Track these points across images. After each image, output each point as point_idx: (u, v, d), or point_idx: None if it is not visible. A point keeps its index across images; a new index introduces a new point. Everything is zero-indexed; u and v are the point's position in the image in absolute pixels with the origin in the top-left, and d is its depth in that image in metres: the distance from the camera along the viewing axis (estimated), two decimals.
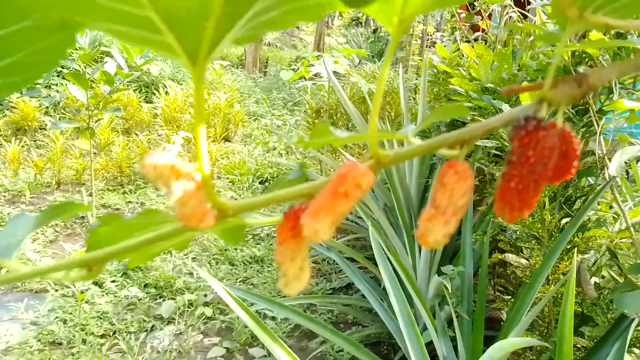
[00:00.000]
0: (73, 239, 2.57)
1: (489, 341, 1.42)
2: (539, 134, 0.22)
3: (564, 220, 1.43)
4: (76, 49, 2.51)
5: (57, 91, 4.22)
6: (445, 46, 2.14)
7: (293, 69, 6.11)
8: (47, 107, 4.11)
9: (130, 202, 3.03)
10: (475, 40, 2.49)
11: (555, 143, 0.22)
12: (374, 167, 0.24)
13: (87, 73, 2.45)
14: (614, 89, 1.32)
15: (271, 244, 2.59)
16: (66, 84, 4.16)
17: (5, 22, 0.20)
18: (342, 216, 0.21)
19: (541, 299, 1.27)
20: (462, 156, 0.24)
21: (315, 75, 3.87)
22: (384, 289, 1.88)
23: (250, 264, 2.42)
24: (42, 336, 1.81)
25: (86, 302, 1.97)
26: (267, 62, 7.97)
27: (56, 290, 2.06)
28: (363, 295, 1.72)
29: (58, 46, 0.21)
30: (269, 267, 2.40)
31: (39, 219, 0.26)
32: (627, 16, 0.22)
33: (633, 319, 1.12)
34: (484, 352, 1.06)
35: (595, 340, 1.25)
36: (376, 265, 1.77)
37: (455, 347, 1.33)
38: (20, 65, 0.22)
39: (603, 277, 1.48)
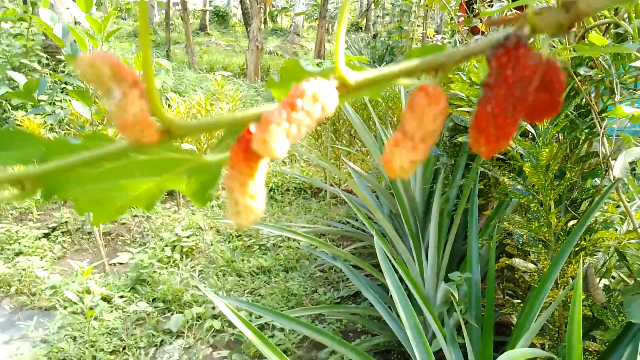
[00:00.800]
0: (81, 255, 2.58)
1: (499, 347, 1.41)
2: (519, 52, 0.20)
3: (570, 223, 1.41)
4: None
5: (62, 107, 4.26)
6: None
7: None
8: (51, 124, 4.15)
9: (136, 215, 3.04)
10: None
11: (537, 65, 0.20)
12: (341, 90, 0.22)
13: (90, 89, 2.47)
14: (615, 90, 1.31)
15: (277, 254, 2.59)
16: (70, 101, 4.19)
17: None
18: (298, 134, 0.19)
19: (550, 303, 1.25)
20: (438, 82, 0.22)
21: None
22: (392, 296, 1.87)
23: (257, 274, 2.42)
24: (53, 354, 1.82)
25: (95, 319, 1.98)
26: (268, 71, 8.00)
27: (65, 308, 2.07)
28: (371, 304, 1.71)
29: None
30: (276, 277, 2.39)
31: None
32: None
33: None
34: (494, 358, 1.05)
35: (607, 344, 1.23)
36: (382, 273, 1.76)
37: (465, 354, 1.32)
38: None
39: (613, 277, 1.46)
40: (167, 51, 7.75)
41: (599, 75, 1.33)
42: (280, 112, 0.19)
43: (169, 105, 4.22)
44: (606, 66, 1.32)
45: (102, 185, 0.24)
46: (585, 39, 1.34)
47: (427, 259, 1.74)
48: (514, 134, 0.20)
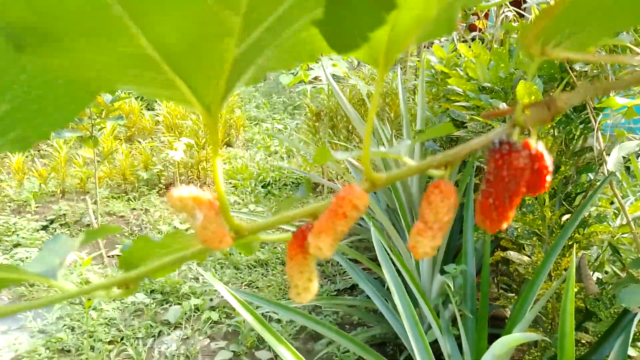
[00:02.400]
0: (80, 247, 2.59)
1: (493, 339, 1.43)
2: (511, 156, 0.24)
3: (564, 217, 1.44)
4: None
5: None
6: (442, 47, 2.15)
7: (292, 73, 6.14)
8: None
9: (134, 209, 3.05)
10: (472, 40, 2.51)
11: (526, 163, 0.25)
12: (369, 189, 0.27)
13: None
14: None
15: (275, 248, 2.61)
16: None
17: (41, 82, 0.24)
18: (342, 234, 0.24)
19: (544, 295, 1.28)
20: (447, 176, 0.27)
21: (315, 78, 3.89)
22: (388, 289, 1.90)
23: (254, 267, 2.44)
24: (51, 344, 1.83)
25: (93, 309, 1.99)
26: None
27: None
28: (368, 296, 1.73)
29: (80, 101, 0.25)
30: (273, 270, 2.41)
31: (81, 240, 0.30)
32: (584, 47, 0.25)
33: (636, 314, 1.13)
34: (488, 349, 1.07)
35: (599, 335, 1.26)
36: (380, 266, 1.78)
37: (459, 346, 1.34)
38: (49, 117, 0.25)
39: (606, 272, 1.49)
40: None
41: (595, 71, 1.35)
42: (328, 221, 0.24)
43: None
44: (602, 62, 1.34)
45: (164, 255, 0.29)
46: None
47: None
48: (512, 215, 0.25)
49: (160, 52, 0.21)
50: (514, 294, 1.74)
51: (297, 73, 3.69)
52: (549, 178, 0.26)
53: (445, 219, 0.26)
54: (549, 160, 0.26)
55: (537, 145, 0.26)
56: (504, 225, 0.25)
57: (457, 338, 1.37)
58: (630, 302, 0.65)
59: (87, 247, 2.60)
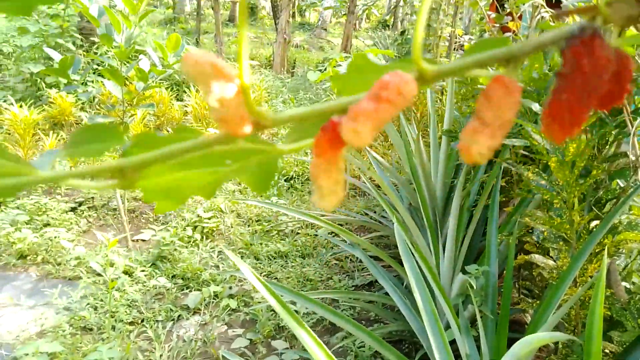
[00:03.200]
0: (105, 230, 2.66)
1: (512, 343, 1.41)
2: (594, 43, 0.20)
3: (593, 223, 1.40)
4: (112, 47, 2.59)
5: (94, 88, 4.36)
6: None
7: (320, 70, 6.14)
8: (83, 103, 4.25)
9: None
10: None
11: (611, 54, 0.21)
12: (419, 81, 0.23)
13: (122, 70, 2.53)
14: None
15: (295, 240, 2.62)
16: (102, 81, 4.29)
17: None
18: (383, 122, 0.21)
19: (567, 301, 1.25)
20: (510, 73, 0.23)
21: None
22: (407, 287, 1.88)
23: (274, 259, 2.46)
24: (74, 321, 1.88)
25: (116, 290, 2.04)
26: (294, 63, 8.03)
27: (88, 278, 2.13)
28: (386, 293, 1.72)
29: None
30: (292, 262, 2.42)
31: (70, 143, 0.25)
32: None
33: None
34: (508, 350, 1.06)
35: (624, 345, 1.22)
36: (400, 263, 1.77)
37: (478, 347, 1.33)
38: None
39: (634, 283, 1.45)
40: (196, 40, 7.85)
41: (634, 74, 1.31)
42: (369, 104, 0.21)
43: (197, 90, 4.29)
44: None
45: (175, 176, 0.25)
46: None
47: (444, 251, 1.74)
48: (586, 120, 0.22)
49: None
50: (535, 299, 1.71)
51: (324, 70, 3.70)
52: (628, 87, 0.22)
53: (508, 116, 0.22)
54: (632, 65, 0.22)
55: (619, 47, 0.22)
56: (576, 132, 0.21)
57: (476, 339, 1.35)
58: None
59: (113, 231, 2.66)
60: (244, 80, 0.22)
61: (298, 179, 3.49)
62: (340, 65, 3.44)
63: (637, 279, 1.44)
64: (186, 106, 4.47)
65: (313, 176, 0.23)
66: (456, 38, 6.02)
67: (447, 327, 1.45)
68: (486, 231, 1.63)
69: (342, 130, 0.21)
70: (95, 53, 4.91)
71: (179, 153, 0.23)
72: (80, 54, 4.88)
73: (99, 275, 2.15)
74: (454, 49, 5.29)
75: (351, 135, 0.20)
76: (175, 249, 2.37)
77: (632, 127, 1.24)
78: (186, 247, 2.44)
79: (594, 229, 1.30)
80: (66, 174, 0.23)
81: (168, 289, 2.12)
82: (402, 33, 7.39)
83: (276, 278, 2.28)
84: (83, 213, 2.79)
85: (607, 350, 1.29)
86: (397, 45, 7.00)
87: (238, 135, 0.22)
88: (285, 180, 3.47)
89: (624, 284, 1.42)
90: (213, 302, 2.07)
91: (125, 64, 3.28)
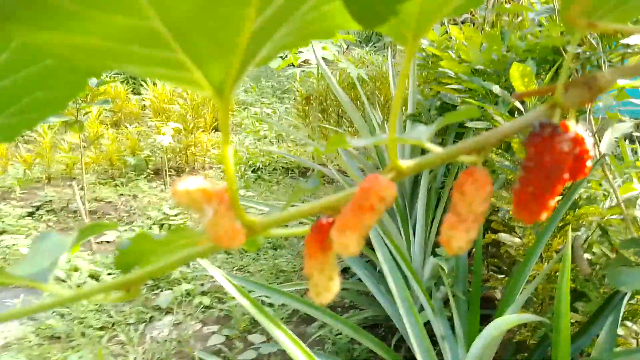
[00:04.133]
0: (67, 234, 2.56)
1: (484, 320, 1.45)
2: (554, 140, 0.22)
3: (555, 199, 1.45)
4: None
5: None
6: (433, 29, 2.13)
7: (281, 57, 6.07)
8: None
9: (122, 194, 3.01)
10: (463, 22, 2.49)
11: (570, 147, 0.22)
12: (395, 178, 0.25)
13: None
14: (603, 67, 1.33)
15: None
16: None
17: (27, 62, 0.21)
18: (368, 229, 0.22)
19: (535, 277, 1.29)
20: (480, 162, 0.25)
21: (304, 62, 3.85)
22: (380, 272, 1.90)
23: (245, 252, 2.43)
24: (41, 331, 1.81)
25: None
26: None
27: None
28: (359, 279, 1.73)
29: (73, 86, 0.23)
30: (265, 254, 2.41)
31: (74, 240, 0.27)
32: (628, 19, 0.23)
33: (625, 294, 1.15)
34: (480, 330, 1.08)
35: (589, 315, 1.28)
36: (371, 249, 1.79)
37: (452, 327, 1.36)
38: (37, 103, 0.24)
39: (594, 253, 1.51)
40: None
41: (587, 53, 1.35)
42: (353, 216, 0.22)
43: (154, 84, 4.15)
44: (594, 44, 1.34)
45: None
46: None
47: (414, 235, 1.76)
48: (554, 205, 0.23)
49: (168, 24, 0.18)
50: (504, 276, 1.76)
51: (285, 56, 3.65)
52: (589, 163, 0.24)
53: (481, 210, 0.24)
54: (589, 144, 0.24)
55: (576, 128, 0.24)
56: (543, 216, 0.23)
57: (450, 319, 1.38)
58: (627, 286, 0.66)
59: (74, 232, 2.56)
60: (234, 196, 0.23)
61: (265, 169, 3.46)
62: (301, 51, 3.40)
63: (597, 249, 1.50)
64: (144, 100, 4.33)
65: (308, 274, 0.24)
66: None
67: (421, 309, 1.47)
68: None
69: (334, 243, 0.22)
70: None
71: (179, 263, 0.26)
72: None
73: (63, 281, 2.07)
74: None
75: (341, 248, 0.22)
76: None
77: (588, 106, 1.28)
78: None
79: (557, 206, 1.34)
80: (84, 293, 0.25)
81: None
82: None
83: (249, 271, 2.26)
84: (42, 217, 2.68)
85: (573, 321, 1.34)
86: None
87: (231, 247, 0.23)
88: (252, 172, 3.43)
89: (586, 255, 1.47)
90: (185, 300, 2.03)
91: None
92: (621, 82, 0.82)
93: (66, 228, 2.62)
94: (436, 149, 0.25)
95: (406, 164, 0.25)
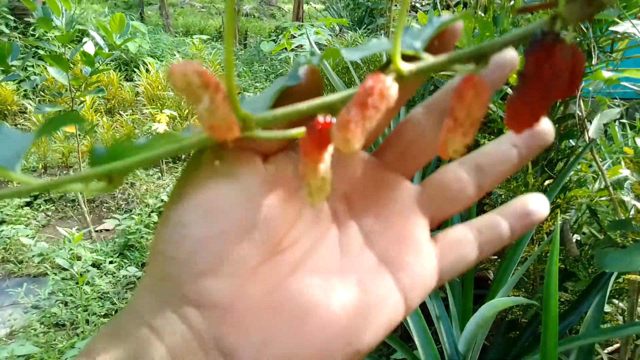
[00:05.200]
0: (66, 223, 2.58)
1: (478, 299, 1.50)
2: (555, 48, 0.22)
3: (546, 182, 1.49)
4: (52, 29, 2.44)
5: (35, 73, 4.12)
6: (426, 12, 2.14)
7: (273, 40, 6.02)
8: (25, 90, 4.03)
9: None
10: (456, 5, 2.50)
11: (569, 57, 0.22)
12: (397, 80, 0.24)
13: (66, 54, 2.41)
14: (593, 52, 1.35)
15: None
16: (44, 66, 4.05)
17: None
18: (369, 128, 0.22)
19: (527, 258, 1.34)
20: (479, 71, 0.25)
21: (297, 46, 3.84)
22: None
23: None
24: (46, 319, 1.85)
25: (87, 284, 2.01)
26: (246, 34, 7.82)
27: (55, 274, 2.09)
28: None
29: None
30: None
31: (36, 135, 0.23)
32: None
33: (612, 273, 1.19)
34: (474, 310, 1.13)
35: (577, 294, 1.33)
36: None
37: (447, 307, 1.40)
38: None
39: (584, 233, 1.55)
40: (140, 13, 7.48)
41: (577, 38, 1.37)
42: (356, 111, 0.22)
43: (147, 70, 4.13)
44: (584, 29, 1.36)
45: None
46: None
47: None
48: (545, 114, 0.23)
49: None
50: (497, 257, 1.81)
51: (278, 40, 3.63)
52: (580, 79, 0.24)
53: (478, 115, 0.24)
54: (584, 60, 0.24)
55: (574, 44, 0.24)
56: (534, 126, 0.23)
57: (444, 300, 1.43)
58: (612, 268, 0.70)
59: (74, 223, 2.59)
60: (232, 86, 0.22)
61: None
62: (294, 36, 3.39)
63: (586, 230, 1.55)
64: (137, 86, 4.31)
65: (301, 174, 0.24)
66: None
67: None
68: None
69: (334, 139, 0.22)
70: (33, 35, 4.61)
71: (163, 155, 0.24)
72: (16, 37, 4.58)
73: (65, 269, 2.10)
74: (407, 11, 5.27)
75: (342, 144, 0.22)
76: (142, 237, 2.34)
77: (578, 90, 1.31)
78: (153, 234, 2.41)
79: (548, 189, 1.37)
80: (60, 181, 0.23)
81: (139, 278, 2.10)
82: None
83: None
84: (40, 207, 2.70)
85: (562, 299, 1.40)
86: (349, 11, 6.92)
87: (226, 139, 0.22)
88: None
89: (576, 236, 1.52)
90: None
91: (68, 47, 3.11)
92: (607, 74, 0.85)
93: (65, 217, 2.64)
94: (430, 57, 0.25)
95: (407, 67, 0.25)
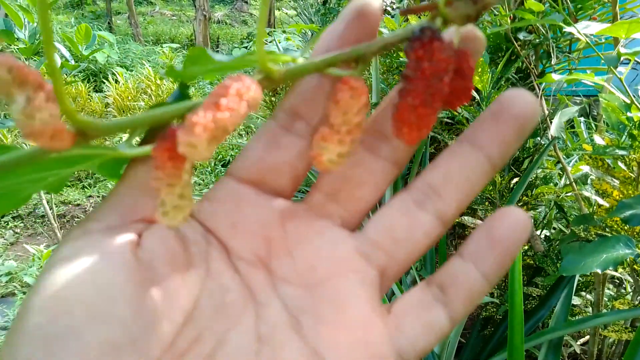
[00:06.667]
0: (36, 240, 2.51)
1: None
2: (433, 45, 0.21)
3: (513, 181, 1.52)
4: (15, 42, 2.39)
5: None
6: (393, 17, 2.17)
7: (245, 47, 6.00)
8: None
9: (91, 196, 2.96)
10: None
11: (450, 56, 0.21)
12: (264, 84, 0.22)
13: (30, 67, 2.35)
14: (552, 53, 1.39)
15: None
16: None
17: None
18: (224, 132, 0.19)
19: None
20: (358, 74, 0.22)
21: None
22: None
23: None
24: None
25: None
26: (218, 41, 7.78)
27: (24, 293, 2.03)
28: None
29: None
30: None
31: None
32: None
33: None
34: None
35: (547, 288, 1.36)
36: None
37: None
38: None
39: (554, 229, 1.59)
40: (108, 23, 7.38)
41: (537, 40, 1.41)
42: (206, 113, 0.18)
43: (117, 81, 4.07)
44: (543, 31, 1.40)
45: (7, 182, 0.22)
46: (524, 4, 1.41)
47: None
48: (434, 122, 0.21)
49: None
50: None
51: (250, 47, 3.63)
52: (471, 84, 0.23)
53: (355, 121, 0.22)
54: (473, 62, 0.23)
55: (460, 46, 0.22)
56: (425, 133, 0.21)
57: None
58: (571, 271, 0.72)
59: (44, 240, 2.52)
60: (59, 84, 0.18)
61: None
62: (265, 43, 3.39)
63: (556, 225, 1.59)
64: (106, 97, 4.23)
65: (155, 190, 0.20)
66: None
67: (392, 294, 1.53)
68: None
69: (179, 144, 0.18)
70: None
71: None
72: None
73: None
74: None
75: (187, 150, 0.18)
76: None
77: (539, 90, 1.34)
78: (29, 198, 2.37)
79: (514, 187, 1.41)
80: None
81: None
82: (325, 2, 7.34)
83: None
84: (8, 224, 2.62)
85: (533, 295, 1.43)
86: (320, 16, 6.95)
87: (54, 150, 0.18)
88: (222, 166, 3.42)
89: (545, 232, 1.56)
90: None
91: (33, 60, 3.04)
92: (557, 77, 0.87)
93: (34, 234, 2.57)
94: (317, 59, 0.23)
95: (277, 68, 0.22)
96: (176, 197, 0.20)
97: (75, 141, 0.19)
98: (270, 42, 3.48)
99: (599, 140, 1.13)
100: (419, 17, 1.52)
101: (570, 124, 1.69)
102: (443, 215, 0.25)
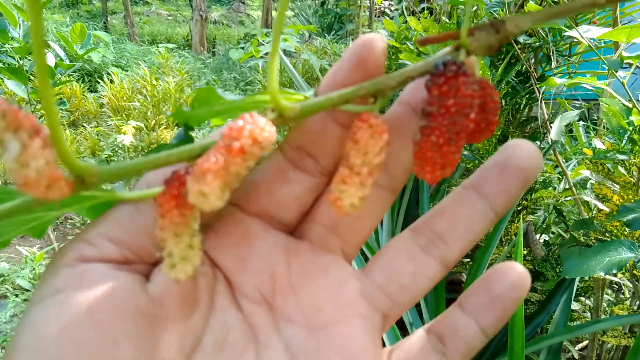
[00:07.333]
0: (28, 241, 2.48)
1: (451, 303, 1.51)
2: (458, 80, 0.19)
3: None
4: (9, 41, 2.36)
5: None
6: (392, 19, 2.16)
7: (242, 47, 5.99)
8: None
9: None
10: (422, 11, 2.53)
11: (475, 90, 0.20)
12: (277, 122, 0.20)
13: (25, 67, 2.33)
14: (552, 56, 1.39)
15: None
16: (2, 79, 3.91)
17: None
18: (237, 178, 0.18)
19: (496, 260, 1.35)
20: (376, 110, 0.21)
21: (266, 53, 3.82)
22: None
23: None
24: (7, 343, 1.77)
25: None
26: (214, 41, 7.77)
27: (17, 296, 2.00)
28: None
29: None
30: None
31: None
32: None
33: None
34: None
35: (546, 293, 1.35)
36: None
37: (419, 312, 1.40)
38: None
39: (553, 233, 1.59)
40: (104, 23, 7.34)
41: (537, 43, 1.40)
42: (218, 158, 0.17)
43: (112, 81, 4.04)
44: (544, 34, 1.39)
45: None
46: (524, 8, 1.41)
47: (382, 224, 1.80)
48: (458, 161, 0.20)
49: None
50: (469, 260, 1.83)
51: (246, 47, 3.61)
52: (496, 118, 0.22)
53: (377, 161, 0.20)
54: (496, 95, 0.21)
55: (482, 77, 0.21)
56: (448, 172, 0.20)
57: (417, 305, 1.43)
58: (574, 274, 0.71)
59: (37, 241, 2.49)
60: (57, 127, 0.17)
61: None
62: (262, 44, 3.38)
63: (555, 230, 1.58)
64: (101, 97, 4.20)
65: (160, 240, 0.19)
66: (376, 6, 6.08)
67: None
68: (419, 200, 1.70)
69: (188, 192, 0.17)
70: None
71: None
72: None
73: (27, 291, 2.02)
74: (376, 15, 5.35)
75: (198, 199, 0.17)
76: None
77: (539, 93, 1.33)
78: (8, 243, 2.34)
79: None
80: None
81: None
82: (323, 4, 7.33)
83: None
84: None
85: (533, 300, 1.42)
86: (318, 17, 6.95)
87: (49, 200, 0.17)
88: None
89: (544, 236, 1.55)
90: None
91: (27, 59, 3.01)
92: (559, 81, 0.86)
93: (26, 236, 2.54)
94: (333, 95, 0.22)
95: (291, 105, 0.21)
96: (184, 247, 0.19)
97: (73, 189, 0.18)
98: (268, 42, 3.46)
99: (599, 144, 1.12)
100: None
101: (569, 128, 1.69)
102: (447, 260, 0.25)
